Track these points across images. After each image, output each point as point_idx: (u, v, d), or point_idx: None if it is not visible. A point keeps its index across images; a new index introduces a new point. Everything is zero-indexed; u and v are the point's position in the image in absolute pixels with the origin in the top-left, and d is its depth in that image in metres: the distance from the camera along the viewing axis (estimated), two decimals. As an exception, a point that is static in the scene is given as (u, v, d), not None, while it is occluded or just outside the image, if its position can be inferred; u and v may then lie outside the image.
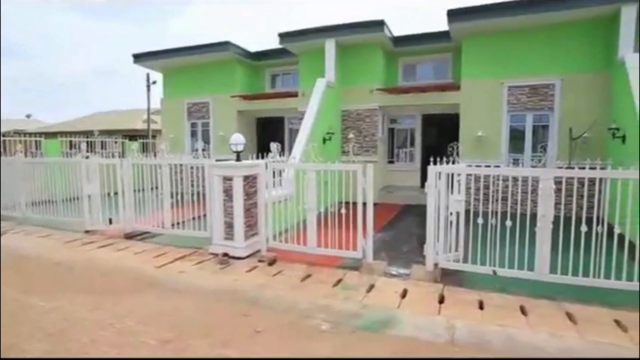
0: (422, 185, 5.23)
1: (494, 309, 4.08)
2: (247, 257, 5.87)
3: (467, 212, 5.17)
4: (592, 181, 4.86)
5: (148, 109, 23.39)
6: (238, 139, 6.03)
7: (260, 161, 6.27)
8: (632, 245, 4.38)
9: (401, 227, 8.34)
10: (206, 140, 14.47)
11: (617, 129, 8.28)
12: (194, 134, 15.18)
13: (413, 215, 9.28)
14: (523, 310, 4.04)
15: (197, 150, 7.28)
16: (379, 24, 10.95)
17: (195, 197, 6.81)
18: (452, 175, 5.16)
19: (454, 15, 9.86)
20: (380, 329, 3.68)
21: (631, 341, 3.44)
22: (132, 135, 21.62)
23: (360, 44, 11.63)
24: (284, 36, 12.08)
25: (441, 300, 4.29)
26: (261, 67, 15.09)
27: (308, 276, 5.07)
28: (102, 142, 15.67)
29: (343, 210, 5.52)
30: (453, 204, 5.14)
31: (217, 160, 6.66)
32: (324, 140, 10.56)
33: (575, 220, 4.49)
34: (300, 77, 12.91)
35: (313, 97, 10.52)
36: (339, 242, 5.62)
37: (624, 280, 4.39)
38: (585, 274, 4.48)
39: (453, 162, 5.38)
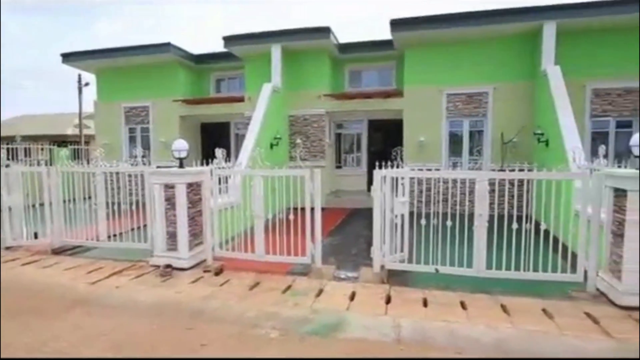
0: (369, 189, 5.40)
1: (437, 306, 4.30)
2: (192, 267, 5.66)
3: (412, 213, 5.42)
4: (521, 182, 5.33)
5: (80, 113, 21.78)
6: (181, 145, 5.82)
7: (205, 168, 6.09)
8: (556, 240, 4.87)
9: (349, 231, 8.52)
10: (146, 147, 13.77)
11: (542, 134, 9.14)
12: (132, 139, 14.39)
13: (361, 218, 9.52)
14: (463, 305, 4.30)
15: (135, 157, 6.90)
16: (325, 31, 11.18)
17: (134, 207, 6.44)
18: (397, 179, 5.37)
19: (396, 25, 10.35)
20: (329, 332, 3.72)
21: (556, 327, 3.79)
22: (61, 141, 19.97)
23: (307, 50, 11.77)
24: (228, 40, 11.90)
25: (388, 301, 4.44)
26: (205, 71, 14.71)
27: (256, 284, 5.00)
28: (25, 148, 14.30)
29: (291, 216, 5.52)
30: (398, 207, 5.36)
31: (158, 168, 6.36)
32: (271, 146, 10.52)
33: (508, 218, 4.89)
34: (246, 81, 12.78)
35: (259, 102, 10.46)
36: (287, 248, 5.61)
37: (550, 272, 4.85)
38: (517, 268, 4.88)
39: (397, 166, 5.61)
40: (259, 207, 5.73)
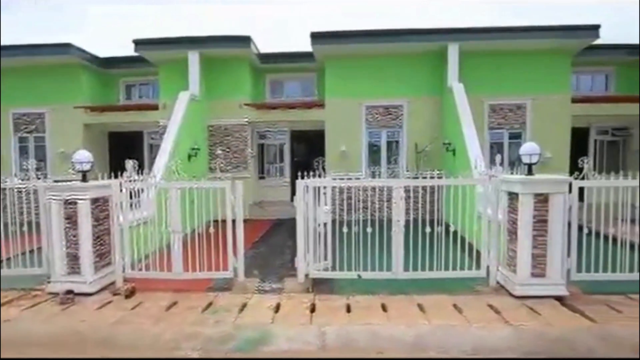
0: (293, 200, 5.47)
1: (360, 310, 4.48)
2: (99, 291, 5.15)
3: (334, 222, 5.60)
4: (432, 188, 5.84)
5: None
6: (83, 156, 5.32)
7: (112, 181, 5.62)
8: (463, 240, 5.42)
9: (274, 242, 8.48)
10: (41, 159, 12.26)
11: (450, 144, 10.12)
12: (23, 150, 12.72)
13: (285, 229, 9.54)
14: (384, 308, 4.54)
15: (27, 170, 6.11)
16: (246, 40, 11.14)
17: (25, 228, 5.68)
18: (319, 188, 5.52)
19: (317, 38, 10.69)
20: (253, 347, 3.66)
21: (465, 320, 4.20)
22: None
23: (227, 58, 11.58)
24: (140, 43, 11.22)
25: (313, 309, 4.51)
26: (113, 76, 13.66)
27: (174, 304, 4.72)
28: None
29: (212, 230, 5.35)
30: (321, 216, 5.50)
31: (56, 182, 5.72)
32: (190, 157, 10.10)
33: (422, 222, 5.32)
34: (160, 88, 12.12)
35: (175, 111, 10.00)
36: (208, 263, 5.40)
37: (459, 269, 5.35)
38: (431, 268, 5.32)
39: (320, 176, 5.77)
40: (176, 221, 5.45)
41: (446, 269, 5.33)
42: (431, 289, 5.07)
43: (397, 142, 11.60)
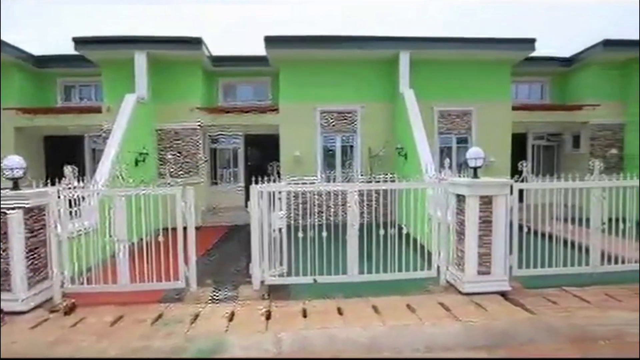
0: (247, 205, 5.40)
1: (316, 315, 4.51)
2: (33, 309, 4.76)
3: (290, 227, 5.60)
4: (385, 191, 6.02)
5: None
6: (14, 162, 4.91)
7: (49, 189, 5.24)
8: (416, 241, 5.63)
9: (228, 249, 8.31)
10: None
11: (402, 149, 10.48)
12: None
13: (240, 235, 9.37)
14: (340, 311, 4.61)
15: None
16: (197, 42, 10.86)
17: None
18: (274, 193, 5.50)
19: (270, 42, 10.67)
20: (207, 358, 3.56)
21: (418, 319, 4.36)
22: None
23: (177, 60, 11.23)
24: (80, 42, 10.58)
25: (268, 316, 4.47)
26: (50, 76, 12.77)
27: (120, 318, 4.47)
28: None
29: (161, 238, 5.15)
30: (276, 221, 5.47)
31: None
32: (137, 162, 9.65)
33: (376, 225, 5.46)
34: (104, 90, 11.47)
35: (121, 114, 9.52)
36: (157, 273, 5.18)
37: (412, 270, 5.55)
38: (385, 270, 5.47)
39: (274, 181, 5.75)
40: (121, 230, 5.18)
41: (399, 270, 5.51)
42: (386, 290, 5.21)
43: (351, 146, 11.83)
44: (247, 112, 11.82)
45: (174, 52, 10.93)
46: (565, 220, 5.94)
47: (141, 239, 5.22)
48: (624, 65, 12.29)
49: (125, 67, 10.67)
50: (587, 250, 5.77)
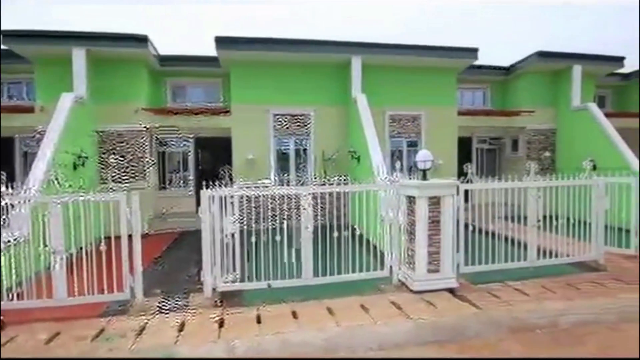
0: (198, 210, 5.24)
1: (271, 320, 4.46)
2: (-48, 332, 4.29)
3: (242, 232, 5.50)
4: (339, 194, 6.11)
5: None
6: None
7: (-29, 195, 4.76)
8: (369, 242, 5.76)
9: (178, 256, 8.01)
10: None
11: (355, 152, 10.69)
12: None
13: (190, 241, 9.06)
14: (295, 315, 4.60)
15: None
16: (142, 40, 10.40)
17: None
18: (225, 197, 5.38)
19: (221, 43, 10.46)
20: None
21: (371, 319, 4.45)
22: None
23: (121, 59, 10.66)
24: (9, 36, 9.74)
25: (221, 324, 4.36)
26: (-28, 72, 11.61)
27: (56, 335, 4.15)
28: None
29: (103, 247, 4.85)
30: (228, 226, 5.35)
31: None
32: (75, 166, 9.03)
33: (330, 227, 5.52)
34: (37, 88, 10.65)
35: (57, 114, 8.87)
36: (99, 285, 4.87)
37: (365, 271, 5.67)
38: (339, 271, 5.54)
39: (226, 185, 5.63)
40: (58, 240, 4.82)
41: (353, 271, 5.61)
42: (340, 291, 5.27)
43: (305, 149, 11.87)
44: (197, 113, 11.48)
45: (116, 49, 10.37)
46: (506, 218, 6.36)
47: (81, 249, 4.88)
48: (555, 75, 13.43)
49: (62, 64, 9.97)
50: (525, 246, 6.21)
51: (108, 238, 4.88)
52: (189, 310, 4.81)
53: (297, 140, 11.79)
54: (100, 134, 10.71)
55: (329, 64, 11.64)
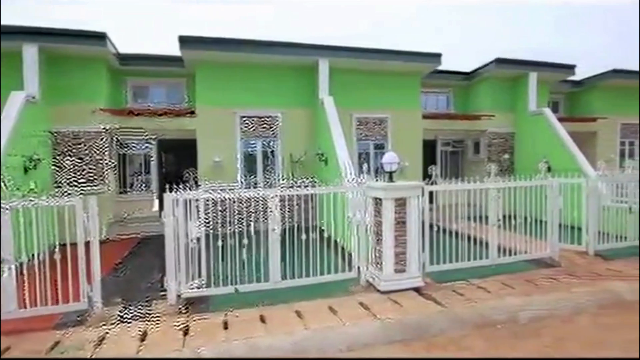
0: (162, 214, 5.09)
1: (238, 325, 4.40)
2: None
3: (208, 236, 5.39)
4: (307, 196, 6.12)
5: None
6: None
7: None
8: (337, 244, 5.81)
9: (140, 262, 7.73)
10: None
11: (322, 154, 10.74)
12: None
13: (154, 247, 8.77)
14: (263, 319, 4.56)
15: None
16: (101, 37, 9.98)
17: None
18: (190, 201, 5.26)
19: (185, 42, 10.23)
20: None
21: (339, 321, 4.48)
22: None
23: (77, 56, 10.19)
24: (-50, 28, 9.07)
25: (186, 332, 4.25)
26: None
27: (6, 350, 3.90)
28: None
29: (58, 255, 4.61)
30: (193, 230, 5.24)
31: None
32: (26, 169, 8.53)
33: (298, 230, 5.52)
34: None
35: (5, 114, 8.34)
36: (54, 295, 4.62)
37: (333, 273, 5.71)
38: (307, 274, 5.54)
39: (191, 188, 5.50)
40: (7, 248, 4.53)
41: (322, 273, 5.63)
42: (309, 294, 5.28)
43: (272, 151, 11.81)
44: (160, 114, 11.14)
45: (72, 46, 9.90)
46: (469, 218, 6.60)
47: (33, 257, 4.61)
48: (513, 81, 14.11)
49: (12, 61, 9.40)
50: (487, 245, 6.48)
51: (63, 245, 4.63)
52: (151, 319, 4.66)
53: (264, 143, 11.70)
54: (55, 135, 10.18)
55: (297, 66, 11.65)
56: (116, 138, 11.68)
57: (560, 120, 13.09)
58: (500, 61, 13.38)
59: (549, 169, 7.34)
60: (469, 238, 6.45)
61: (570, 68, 14.24)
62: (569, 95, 16.65)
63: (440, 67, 12.62)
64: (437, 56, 12.20)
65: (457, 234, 6.34)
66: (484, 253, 6.43)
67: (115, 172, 11.71)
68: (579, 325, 4.54)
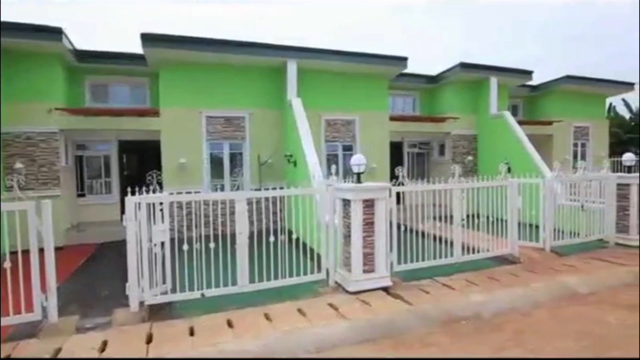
0: (123, 219, 4.90)
1: (205, 331, 4.30)
2: None
3: (174, 240, 5.25)
4: (275, 198, 6.09)
5: None
6: None
7: None
8: (305, 246, 5.81)
9: (99, 270, 7.41)
10: None
11: (291, 156, 10.71)
12: None
13: (114, 253, 8.44)
14: (230, 324, 4.48)
15: None
16: (55, 32, 9.51)
17: None
18: (154, 204, 5.10)
19: (148, 40, 9.91)
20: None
21: (309, 322, 4.48)
22: None
23: (30, 52, 9.66)
24: None
25: (149, 340, 4.11)
26: None
27: (-53, 368, 3.63)
28: None
29: (7, 264, 4.34)
30: (157, 235, 5.08)
31: None
32: (-27, 173, 7.99)
33: (266, 232, 5.47)
34: None
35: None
36: (4, 307, 4.34)
37: (302, 275, 5.70)
38: (276, 277, 5.51)
39: (154, 191, 5.34)
40: (-50, 257, 4.22)
41: (290, 275, 5.61)
42: (278, 297, 5.25)
43: (240, 153, 11.66)
44: (121, 115, 10.75)
45: (24, 41, 9.35)
46: (435, 218, 6.78)
47: (-21, 266, 4.32)
48: (476, 84, 14.66)
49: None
50: (451, 244, 6.68)
51: (14, 253, 4.37)
52: (112, 328, 4.48)
53: (232, 144, 11.53)
54: (5, 136, 9.59)
55: (265, 67, 11.58)
56: (73, 139, 11.18)
57: (520, 123, 13.73)
58: (464, 65, 13.87)
59: (509, 170, 7.66)
60: (434, 237, 6.63)
61: (528, 73, 14.99)
62: (528, 99, 17.51)
63: (407, 70, 12.93)
64: (403, 59, 12.48)
65: (423, 233, 6.51)
66: (449, 252, 6.63)
67: (72, 175, 11.20)
68: (538, 318, 4.77)
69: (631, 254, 7.35)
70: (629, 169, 8.28)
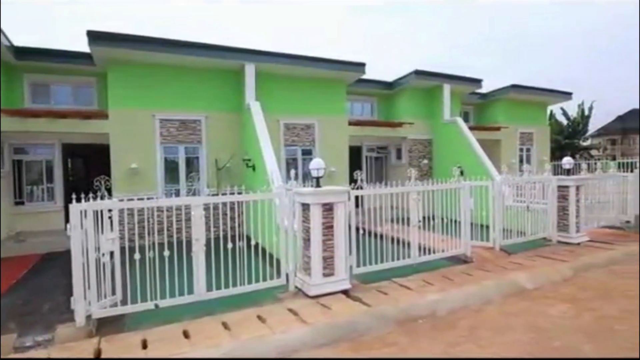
0: (67, 227, 4.61)
1: (158, 343, 4.13)
2: None
3: (124, 249, 5.01)
4: (233, 204, 5.99)
5: None
6: None
7: None
8: (265, 251, 5.76)
9: (41, 282, 6.91)
10: None
11: (249, 160, 10.59)
12: None
13: (58, 264, 7.92)
14: (186, 334, 4.34)
15: None
16: (-11, 27, 8.84)
17: None
18: (102, 212, 4.85)
19: (95, 38, 9.44)
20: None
21: (269, 329, 4.44)
22: None
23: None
24: None
25: (98, 355, 3.89)
26: None
27: None
28: None
29: None
30: (105, 244, 4.82)
31: None
32: None
33: (224, 238, 5.37)
34: None
35: None
36: None
37: (262, 281, 5.64)
38: (235, 283, 5.41)
39: (102, 198, 5.07)
40: None
41: (250, 282, 5.54)
42: (237, 304, 5.15)
43: (197, 157, 11.37)
44: (64, 116, 10.13)
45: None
46: (393, 220, 6.96)
47: None
48: (430, 91, 15.28)
49: None
50: (409, 245, 6.89)
51: (-60, 267, 3.99)
52: (55, 345, 4.19)
53: (187, 148, 11.22)
54: None
55: (222, 69, 11.40)
56: (10, 142, 10.39)
57: (471, 128, 14.47)
58: (418, 73, 14.42)
59: (461, 173, 8.02)
60: (392, 239, 6.80)
61: (478, 82, 15.83)
62: (478, 106, 18.48)
63: (365, 76, 13.22)
64: (361, 65, 12.77)
65: (381, 236, 6.65)
66: (407, 253, 6.83)
67: (9, 181, 10.40)
68: (489, 314, 5.02)
69: (571, 251, 7.95)
70: (568, 172, 8.95)
